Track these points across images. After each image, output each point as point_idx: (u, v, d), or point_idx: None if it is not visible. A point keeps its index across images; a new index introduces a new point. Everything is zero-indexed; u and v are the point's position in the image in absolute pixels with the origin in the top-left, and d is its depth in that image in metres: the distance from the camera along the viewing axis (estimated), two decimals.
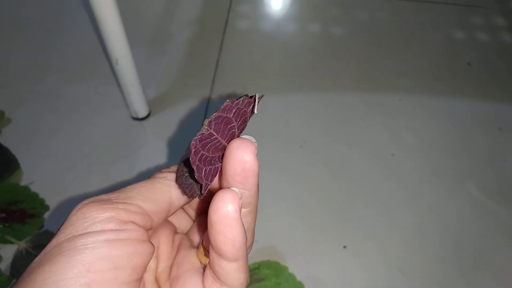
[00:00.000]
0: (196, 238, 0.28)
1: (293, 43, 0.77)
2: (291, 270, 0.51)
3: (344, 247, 0.54)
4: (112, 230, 0.20)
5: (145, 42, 0.75)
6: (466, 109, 0.68)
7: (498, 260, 0.54)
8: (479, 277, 0.52)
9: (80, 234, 0.20)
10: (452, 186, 0.60)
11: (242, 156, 0.21)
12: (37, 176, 0.58)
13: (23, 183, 0.57)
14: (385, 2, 0.84)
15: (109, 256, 0.20)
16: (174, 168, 0.26)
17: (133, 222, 0.21)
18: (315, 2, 0.84)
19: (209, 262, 0.23)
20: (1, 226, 0.54)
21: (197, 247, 0.27)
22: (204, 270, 0.25)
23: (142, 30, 0.77)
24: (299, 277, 0.51)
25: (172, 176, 0.24)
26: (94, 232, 0.20)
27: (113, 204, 0.21)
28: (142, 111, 0.64)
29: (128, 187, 0.23)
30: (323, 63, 0.74)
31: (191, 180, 0.24)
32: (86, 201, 0.22)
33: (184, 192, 0.24)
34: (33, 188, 0.57)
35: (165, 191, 0.24)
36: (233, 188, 0.21)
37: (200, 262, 0.26)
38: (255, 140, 0.22)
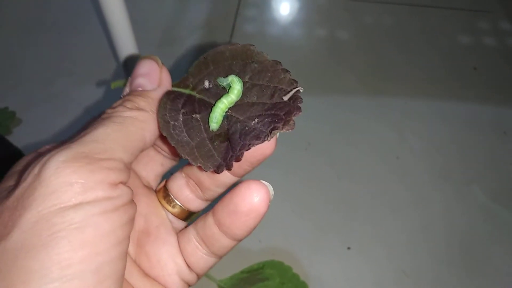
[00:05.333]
0: (143, 170, 0.25)
1: (299, 47, 0.77)
2: (295, 270, 0.51)
3: (348, 248, 0.54)
4: (106, 198, 0.17)
5: (153, 46, 0.76)
6: (472, 112, 0.68)
7: (503, 262, 0.54)
8: (484, 280, 0.52)
9: (71, 206, 0.16)
10: (457, 189, 0.60)
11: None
12: None
13: None
14: (391, 7, 0.84)
15: (112, 231, 0.17)
16: (141, 102, 0.21)
17: (121, 183, 0.18)
18: (321, 7, 0.85)
19: (198, 230, 0.22)
20: None
21: (157, 191, 0.25)
22: (171, 223, 0.24)
23: (151, 33, 0.78)
24: (303, 277, 0.51)
25: (144, 115, 0.21)
26: (87, 202, 0.17)
27: (97, 163, 0.17)
28: None
29: (98, 131, 0.19)
30: (329, 67, 0.74)
31: (187, 138, 0.21)
32: (60, 157, 0.17)
33: (174, 152, 0.21)
34: None
35: (140, 136, 0.20)
36: (264, 182, 0.21)
37: (164, 208, 0.24)
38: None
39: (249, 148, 0.20)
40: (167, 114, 0.21)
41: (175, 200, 0.24)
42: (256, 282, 0.50)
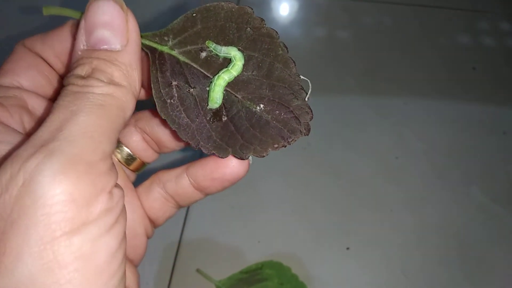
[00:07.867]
0: None
1: (298, 47, 0.77)
2: (294, 270, 0.51)
3: (347, 248, 0.54)
4: (107, 210, 0.15)
5: None
6: (471, 113, 0.68)
7: (502, 264, 0.54)
8: (483, 281, 0.52)
9: (76, 229, 0.14)
10: (456, 190, 0.60)
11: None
12: None
13: None
14: (390, 6, 0.84)
15: (119, 246, 0.16)
16: (115, 73, 0.18)
17: (116, 186, 0.17)
18: (320, 7, 0.85)
19: (167, 189, 0.23)
20: None
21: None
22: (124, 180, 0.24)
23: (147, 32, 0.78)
24: (302, 277, 0.51)
25: (122, 92, 0.17)
26: (92, 221, 0.15)
27: (94, 168, 0.15)
28: None
29: (82, 119, 0.16)
30: (327, 67, 0.74)
31: (187, 120, 0.20)
32: (52, 163, 0.14)
33: (175, 135, 0.20)
34: None
35: (122, 119, 0.17)
36: None
37: (120, 162, 0.24)
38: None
39: (276, 149, 0.20)
40: (162, 91, 0.19)
41: (132, 155, 0.24)
42: (255, 282, 0.50)
